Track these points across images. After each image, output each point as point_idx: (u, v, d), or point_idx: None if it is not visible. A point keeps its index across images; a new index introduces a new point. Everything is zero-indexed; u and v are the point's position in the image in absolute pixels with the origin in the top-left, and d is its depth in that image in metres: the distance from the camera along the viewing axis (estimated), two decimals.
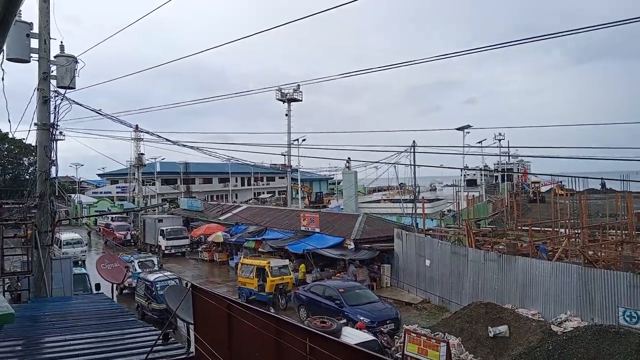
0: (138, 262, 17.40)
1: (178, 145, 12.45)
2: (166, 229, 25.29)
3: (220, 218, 26.86)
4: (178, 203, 37.02)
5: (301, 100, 36.92)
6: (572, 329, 10.44)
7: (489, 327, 11.14)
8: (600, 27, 5.13)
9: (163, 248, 24.94)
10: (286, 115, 35.76)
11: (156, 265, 17.23)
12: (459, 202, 26.20)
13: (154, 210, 34.03)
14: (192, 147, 12.45)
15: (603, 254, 14.90)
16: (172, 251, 24.89)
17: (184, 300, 5.47)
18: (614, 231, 18.08)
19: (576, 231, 17.37)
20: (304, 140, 41.93)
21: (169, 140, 12.09)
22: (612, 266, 13.67)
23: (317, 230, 20.42)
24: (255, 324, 3.77)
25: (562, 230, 18.96)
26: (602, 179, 23.55)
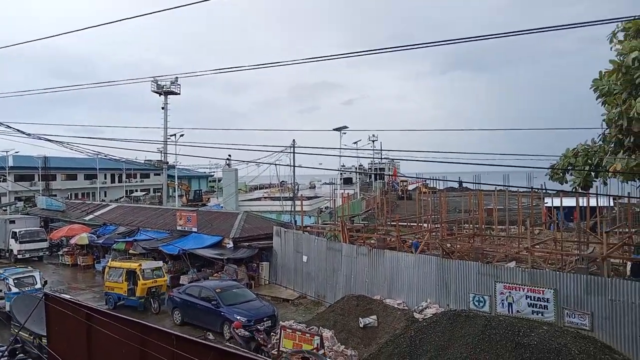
0: (14, 280, 14.77)
1: (34, 137, 10.52)
2: (19, 231, 24.29)
3: (85, 218, 26.37)
4: (35, 202, 34.88)
5: (179, 94, 36.38)
6: (431, 315, 11.52)
7: (360, 319, 11.92)
8: (450, 42, 5.91)
9: (15, 252, 24.04)
10: (162, 108, 34.78)
11: (39, 282, 14.94)
12: (335, 200, 27.52)
13: (4, 210, 31.95)
14: (51, 141, 10.91)
15: (458, 246, 16.99)
16: (27, 256, 24.01)
17: (37, 311, 4.90)
18: (468, 225, 20.81)
19: (436, 226, 19.59)
20: (181, 135, 39.90)
21: (22, 132, 10.84)
22: (466, 257, 15.61)
23: (195, 229, 20.34)
24: (118, 333, 3.53)
25: (425, 225, 21.84)
26: (459, 180, 27.86)
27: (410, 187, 75.03)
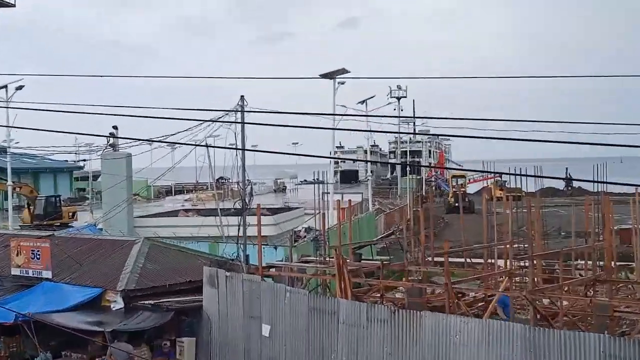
0: None
1: None
2: None
3: None
4: None
5: (13, 5, 37.16)
6: None
7: None
8: None
9: None
10: None
11: None
12: (325, 214, 28.80)
13: None
14: None
15: (565, 303, 17.24)
16: None
17: None
18: (584, 262, 21.27)
19: (523, 263, 20.01)
20: (19, 89, 39.55)
21: None
22: (579, 322, 16.00)
23: (48, 274, 21.31)
24: None
25: (501, 262, 21.80)
26: (567, 176, 27.97)
27: (470, 188, 78.15)
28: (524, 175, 36.17)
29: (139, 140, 24.61)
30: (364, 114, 57.13)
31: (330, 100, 45.43)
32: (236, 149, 24.53)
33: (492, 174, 65.15)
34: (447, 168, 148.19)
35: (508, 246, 21.11)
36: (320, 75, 40.74)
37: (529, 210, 20.53)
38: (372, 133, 76.04)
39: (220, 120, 22.83)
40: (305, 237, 35.24)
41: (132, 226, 35.36)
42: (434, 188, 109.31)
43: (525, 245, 21.28)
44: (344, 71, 42.30)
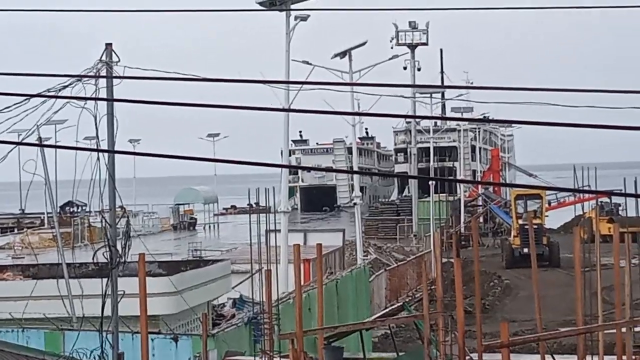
0: None
1: None
2: None
3: None
4: None
5: None
6: None
7: None
8: None
9: None
10: None
11: None
12: (272, 272, 29.28)
13: None
14: None
15: None
16: None
17: None
18: None
19: None
20: None
21: None
22: None
23: None
24: None
25: None
26: None
27: (552, 218, 77.76)
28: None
29: None
30: (345, 80, 57.39)
31: (280, 55, 45.48)
32: (98, 150, 24.16)
33: (593, 193, 65.98)
34: (506, 184, 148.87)
35: (624, 330, 21.29)
36: (260, 4, 40.73)
37: None
38: (361, 116, 76.02)
39: (64, 96, 22.54)
40: (233, 317, 34.99)
41: None
42: (482, 219, 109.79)
43: None
44: None
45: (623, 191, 38.23)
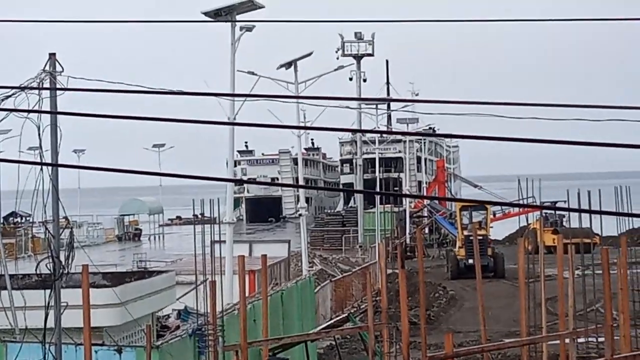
0: None
1: None
2: None
3: None
4: None
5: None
6: None
7: None
8: None
9: None
10: None
11: None
12: (216, 283, 30.13)
13: None
14: None
15: None
16: None
17: None
18: None
19: None
20: None
21: None
22: None
23: None
24: None
25: None
26: None
27: (496, 229, 78.34)
28: (595, 211, 36.44)
29: None
30: (291, 93, 57.39)
31: (225, 65, 45.40)
32: (41, 163, 23.98)
33: (537, 205, 66.53)
34: (450, 199, 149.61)
35: (568, 341, 21.44)
36: (205, 14, 40.65)
37: (605, 270, 20.83)
38: (305, 129, 76.30)
39: (5, 109, 22.39)
40: (177, 328, 34.89)
41: None
42: (427, 230, 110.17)
43: (601, 339, 21.68)
44: (251, 5, 42.33)
45: (567, 203, 38.51)
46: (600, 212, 24.81)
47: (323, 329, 44.38)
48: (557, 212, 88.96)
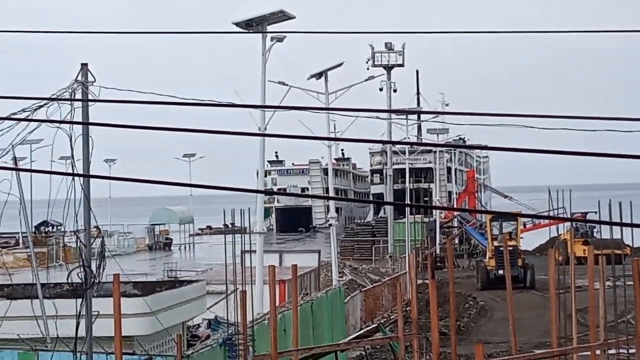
0: None
1: None
2: None
3: None
4: None
5: None
6: None
7: None
8: None
9: None
10: None
11: None
12: (247, 293, 29.94)
13: None
14: None
15: None
16: None
17: None
18: None
19: None
20: None
21: None
22: None
23: None
24: None
25: None
26: None
27: (527, 240, 78.07)
28: (626, 224, 36.05)
29: None
30: (321, 103, 57.39)
31: (256, 75, 45.43)
32: (73, 174, 24.06)
33: (568, 215, 66.23)
34: (480, 211, 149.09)
35: (598, 352, 21.34)
36: (237, 25, 40.69)
37: (636, 282, 20.74)
38: (336, 141, 76.22)
39: (38, 119, 22.40)
40: (208, 337, 34.87)
41: None
42: (457, 241, 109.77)
43: (632, 351, 21.55)
44: (282, 16, 42.35)
45: (598, 215, 38.35)
46: (632, 225, 24.50)
47: (353, 339, 44.34)
48: (588, 223, 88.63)
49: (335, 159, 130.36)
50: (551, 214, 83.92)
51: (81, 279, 23.86)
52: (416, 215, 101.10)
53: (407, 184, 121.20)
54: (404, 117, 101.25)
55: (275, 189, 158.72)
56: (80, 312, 23.78)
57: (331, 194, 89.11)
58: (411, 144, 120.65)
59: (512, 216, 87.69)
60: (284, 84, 56.81)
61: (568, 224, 71.11)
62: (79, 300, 24.07)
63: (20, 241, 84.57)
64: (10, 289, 41.88)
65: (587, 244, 58.75)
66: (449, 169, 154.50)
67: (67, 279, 24.95)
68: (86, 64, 23.48)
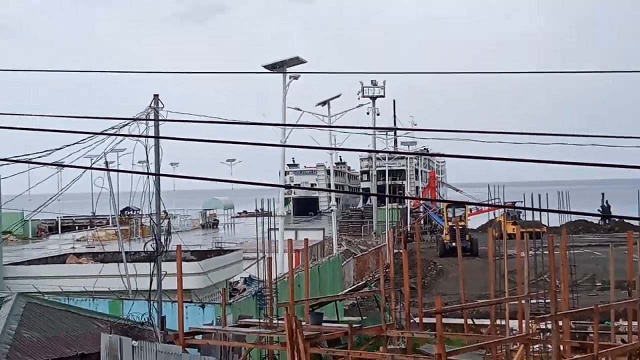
0: None
1: None
2: None
3: None
4: None
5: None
6: None
7: None
8: None
9: None
10: None
11: None
12: (272, 259, 29.52)
13: None
14: None
15: None
16: None
17: None
18: (626, 323, 21.69)
19: (544, 325, 20.34)
20: None
21: None
22: None
23: None
24: None
25: (514, 323, 21.83)
26: (603, 207, 28.53)
27: (473, 222, 79.54)
28: (545, 210, 36.33)
29: (6, 160, 24.00)
30: (325, 123, 57.70)
31: (278, 102, 45.65)
32: (148, 173, 24.27)
33: (502, 203, 65.98)
34: (439, 200, 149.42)
35: (524, 302, 21.21)
36: (265, 67, 40.72)
37: (551, 251, 20.67)
38: (336, 153, 76.81)
39: (120, 133, 22.48)
40: (244, 290, 34.95)
41: (1, 277, 34.56)
42: (422, 222, 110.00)
43: (547, 301, 21.43)
44: (297, 61, 42.40)
45: (523, 203, 38.58)
46: (546, 210, 24.96)
47: (347, 292, 44.51)
48: (516, 209, 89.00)
49: (336, 163, 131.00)
50: (490, 202, 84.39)
51: (153, 249, 24.11)
52: (393, 204, 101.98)
53: (386, 181, 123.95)
54: (385, 133, 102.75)
55: (292, 184, 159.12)
56: (152, 272, 24.00)
57: (332, 187, 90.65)
58: (389, 152, 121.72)
59: (462, 204, 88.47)
60: (298, 109, 57.78)
61: (502, 210, 71.42)
62: (152, 263, 24.27)
63: (110, 221, 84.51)
64: (103, 255, 42.42)
65: (515, 224, 59.18)
66: (416, 170, 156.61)
67: (144, 248, 25.21)
68: (157, 95, 23.72)
